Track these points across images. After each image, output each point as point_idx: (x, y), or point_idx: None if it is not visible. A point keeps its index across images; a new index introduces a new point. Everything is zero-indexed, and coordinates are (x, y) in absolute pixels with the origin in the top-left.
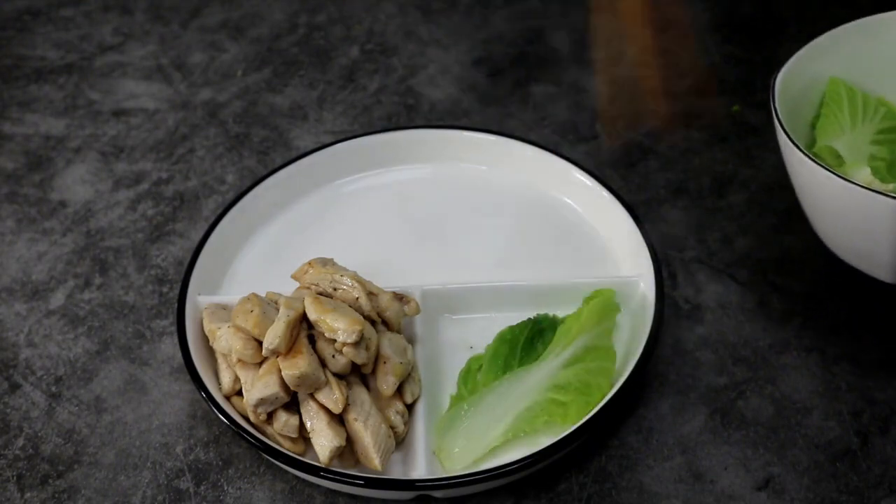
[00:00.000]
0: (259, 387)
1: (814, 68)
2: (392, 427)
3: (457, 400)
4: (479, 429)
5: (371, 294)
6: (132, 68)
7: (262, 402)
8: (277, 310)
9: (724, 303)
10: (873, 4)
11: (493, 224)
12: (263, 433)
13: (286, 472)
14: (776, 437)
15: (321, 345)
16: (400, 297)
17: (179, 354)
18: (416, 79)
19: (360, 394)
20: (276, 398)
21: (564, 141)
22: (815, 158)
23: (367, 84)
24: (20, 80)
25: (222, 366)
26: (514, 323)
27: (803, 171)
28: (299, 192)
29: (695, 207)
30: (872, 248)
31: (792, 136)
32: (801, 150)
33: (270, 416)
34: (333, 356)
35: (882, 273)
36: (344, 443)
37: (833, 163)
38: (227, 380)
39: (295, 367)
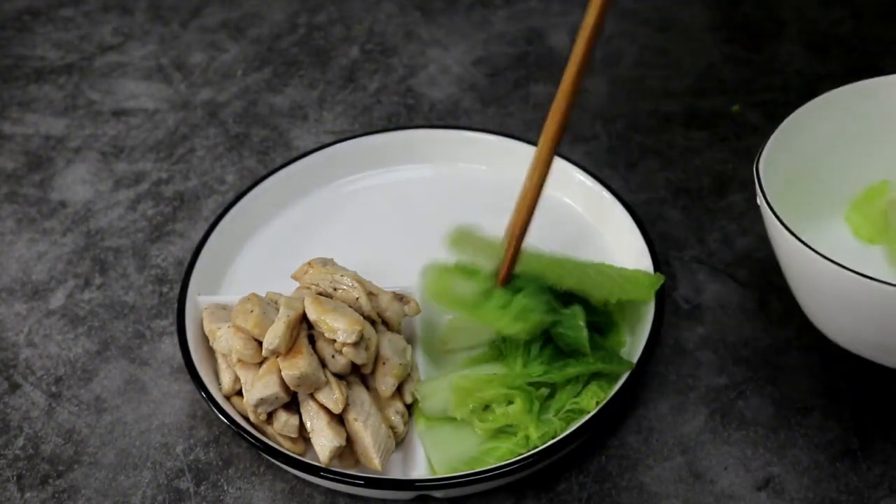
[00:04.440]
0: (259, 387)
1: (801, 139)
2: (392, 427)
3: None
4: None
5: (371, 294)
6: (132, 68)
7: (262, 402)
8: (277, 310)
9: (724, 303)
10: (872, 6)
11: (493, 224)
12: (263, 433)
13: (286, 472)
14: (776, 437)
15: (321, 345)
16: (400, 297)
17: (179, 354)
18: (416, 79)
19: (360, 394)
20: (276, 398)
21: (564, 141)
22: (812, 247)
23: (367, 84)
24: (20, 80)
25: (222, 366)
26: None
27: (797, 258)
28: (299, 192)
29: (695, 207)
30: (884, 339)
31: (783, 219)
32: (795, 236)
33: (270, 416)
34: (333, 356)
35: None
36: (344, 443)
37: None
38: (227, 380)
39: (295, 367)
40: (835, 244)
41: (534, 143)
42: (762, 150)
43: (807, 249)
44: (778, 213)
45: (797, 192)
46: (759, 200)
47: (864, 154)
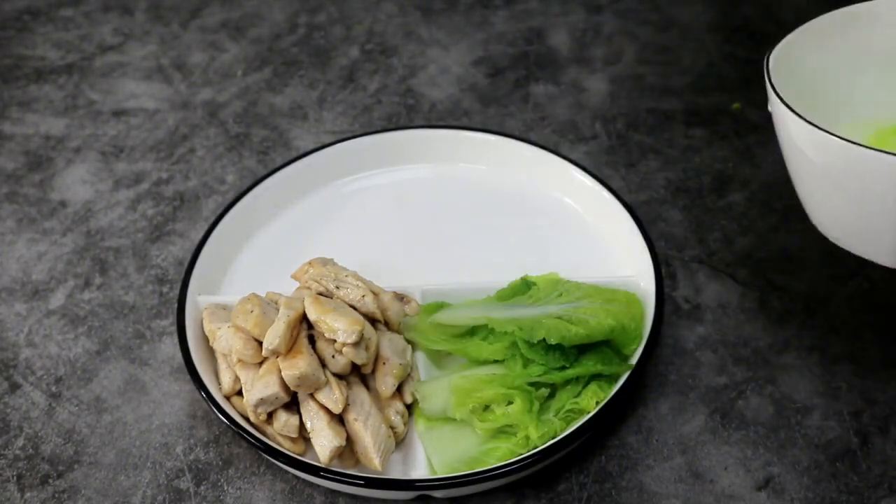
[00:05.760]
0: (259, 387)
1: (809, 51)
2: (392, 427)
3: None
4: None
5: (372, 293)
6: (132, 68)
7: (262, 402)
8: (277, 310)
9: (724, 303)
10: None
11: (492, 224)
12: (263, 433)
13: (286, 472)
14: (776, 437)
15: (321, 345)
16: (400, 297)
17: (179, 354)
18: (416, 79)
19: (360, 394)
20: (276, 398)
21: (564, 141)
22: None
23: (367, 84)
24: (20, 80)
25: (222, 366)
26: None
27: (799, 135)
28: (299, 192)
29: (695, 207)
30: (877, 223)
31: (785, 100)
32: (794, 111)
33: (270, 416)
34: (333, 356)
35: (884, 256)
36: (344, 443)
37: None
38: (227, 380)
39: (295, 368)
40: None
41: (534, 143)
42: (773, 48)
43: (810, 126)
44: (782, 97)
45: (804, 101)
46: (769, 91)
47: (878, 79)
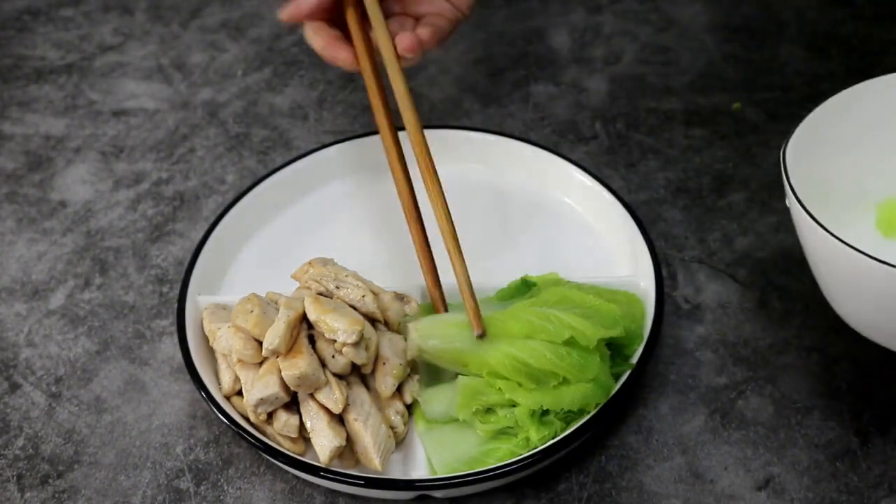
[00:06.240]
0: (259, 387)
1: (824, 132)
2: (392, 427)
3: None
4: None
5: (372, 293)
6: (132, 68)
7: (262, 402)
8: (277, 310)
9: (724, 303)
10: (872, 6)
11: (492, 224)
12: (263, 433)
13: (286, 472)
14: (776, 437)
15: (321, 345)
16: (400, 297)
17: (179, 354)
18: (416, 79)
19: (360, 394)
20: (276, 398)
21: (564, 141)
22: (840, 238)
23: None
24: (20, 80)
25: (222, 366)
26: None
27: (822, 247)
28: (299, 192)
29: (695, 207)
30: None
31: (811, 211)
32: (821, 226)
33: (270, 416)
34: (333, 356)
35: None
36: (344, 443)
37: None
38: (227, 380)
39: (295, 368)
40: (859, 235)
41: (534, 143)
42: (788, 140)
43: (833, 239)
44: (804, 204)
45: (822, 185)
46: (786, 188)
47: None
